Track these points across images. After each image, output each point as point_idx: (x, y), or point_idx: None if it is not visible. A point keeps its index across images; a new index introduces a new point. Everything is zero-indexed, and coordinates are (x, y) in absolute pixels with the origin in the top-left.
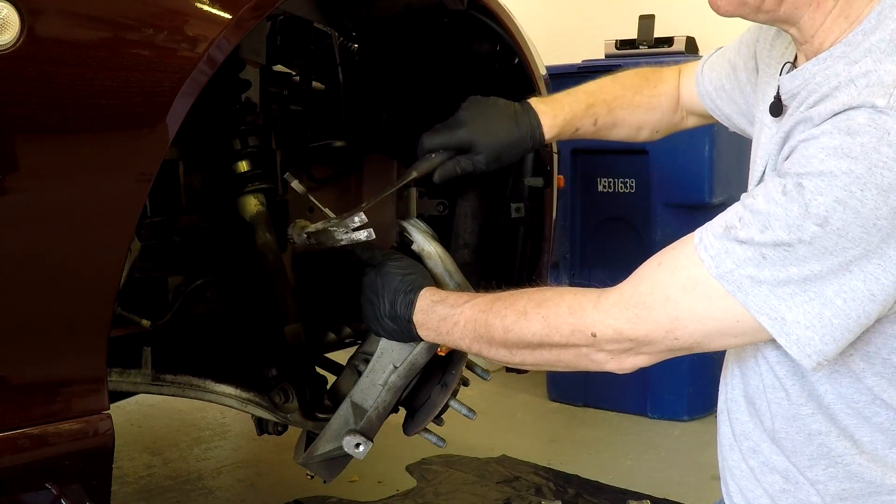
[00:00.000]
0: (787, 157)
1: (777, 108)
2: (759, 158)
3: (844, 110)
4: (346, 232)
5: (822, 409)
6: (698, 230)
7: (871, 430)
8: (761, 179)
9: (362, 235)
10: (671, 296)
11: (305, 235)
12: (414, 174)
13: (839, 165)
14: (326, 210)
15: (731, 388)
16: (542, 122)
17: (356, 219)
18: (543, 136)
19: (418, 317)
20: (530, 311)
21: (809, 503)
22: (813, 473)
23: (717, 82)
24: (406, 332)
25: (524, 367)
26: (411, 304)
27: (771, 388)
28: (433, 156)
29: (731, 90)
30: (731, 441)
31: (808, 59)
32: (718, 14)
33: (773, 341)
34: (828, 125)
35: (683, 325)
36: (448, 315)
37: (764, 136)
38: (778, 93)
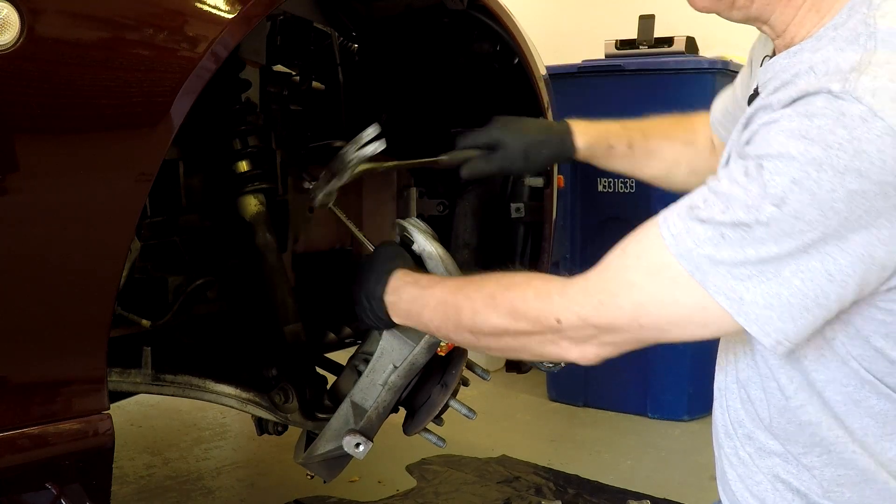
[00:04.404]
0: (748, 141)
1: (753, 99)
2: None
3: (803, 96)
4: (357, 148)
5: (814, 395)
6: (662, 212)
7: (861, 415)
8: (727, 164)
9: (370, 149)
10: (636, 281)
11: (320, 179)
12: (444, 158)
13: (797, 147)
14: (349, 223)
15: (725, 376)
16: (574, 129)
17: (369, 129)
18: (574, 142)
19: (389, 297)
20: (498, 295)
21: (808, 488)
22: (808, 460)
23: (722, 107)
24: (379, 313)
25: (490, 353)
26: (385, 284)
27: (765, 376)
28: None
29: (733, 110)
30: (728, 429)
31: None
32: (695, 9)
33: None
34: (788, 110)
35: (648, 311)
36: (418, 296)
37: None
38: (757, 85)
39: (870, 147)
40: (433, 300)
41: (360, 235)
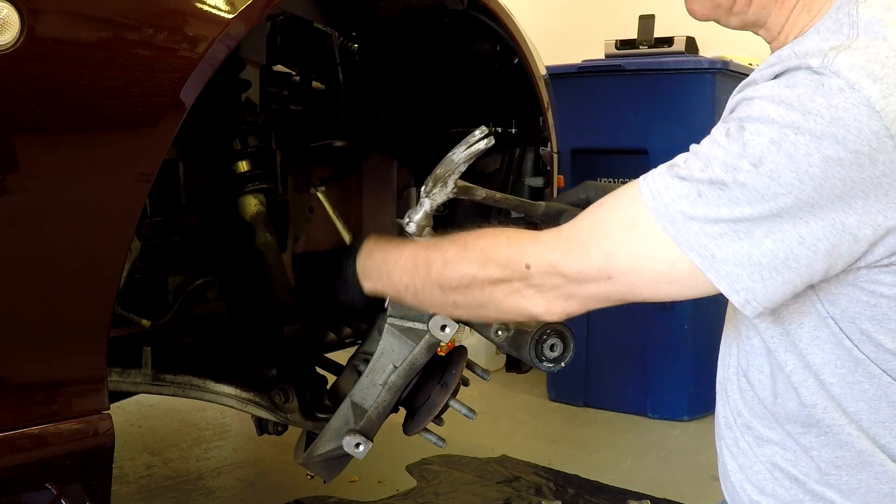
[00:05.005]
0: (732, 110)
1: None
2: None
3: (785, 71)
4: (467, 147)
5: (811, 375)
6: (636, 185)
7: (856, 399)
8: None
9: (482, 144)
10: (609, 233)
11: (423, 189)
12: (542, 204)
13: (777, 111)
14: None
15: (726, 369)
16: None
17: (477, 131)
18: None
19: (362, 262)
20: (470, 244)
21: (806, 473)
22: (806, 440)
23: None
24: (351, 282)
25: (457, 314)
26: (357, 252)
27: (763, 357)
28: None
29: None
30: (729, 420)
31: None
32: (694, 18)
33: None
34: (770, 82)
35: (618, 263)
36: (389, 256)
37: None
38: None
39: (847, 115)
40: (403, 258)
41: (342, 228)
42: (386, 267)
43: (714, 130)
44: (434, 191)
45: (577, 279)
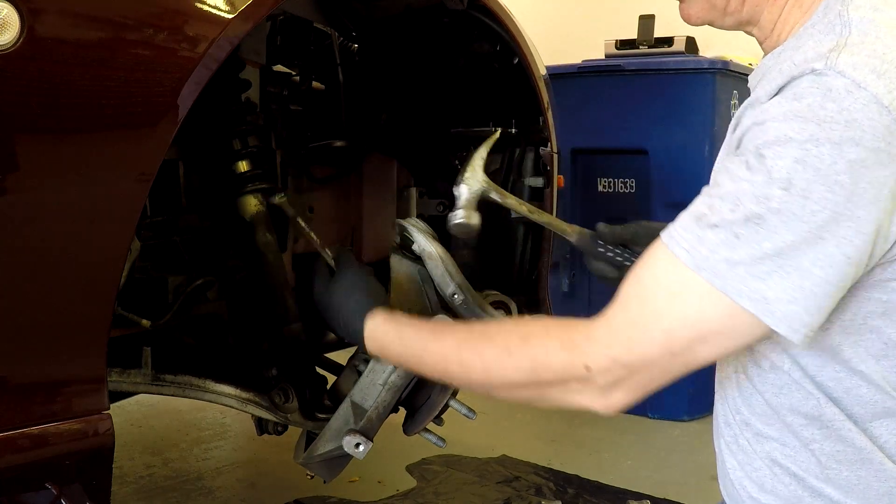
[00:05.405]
0: (741, 139)
1: None
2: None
3: (788, 81)
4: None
5: (806, 377)
6: (663, 233)
7: (852, 402)
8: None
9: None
10: (659, 308)
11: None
12: (576, 231)
13: (792, 127)
14: (311, 234)
15: (724, 364)
16: None
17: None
18: None
19: (371, 344)
20: (515, 348)
21: (806, 469)
22: (808, 433)
23: None
24: (354, 333)
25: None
26: (363, 323)
27: (761, 354)
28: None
29: None
30: (728, 417)
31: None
32: (690, 24)
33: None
34: (776, 98)
35: (678, 335)
36: (410, 345)
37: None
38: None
39: (859, 115)
40: (430, 354)
41: (315, 241)
42: (410, 358)
43: (730, 165)
44: (466, 175)
45: (641, 367)
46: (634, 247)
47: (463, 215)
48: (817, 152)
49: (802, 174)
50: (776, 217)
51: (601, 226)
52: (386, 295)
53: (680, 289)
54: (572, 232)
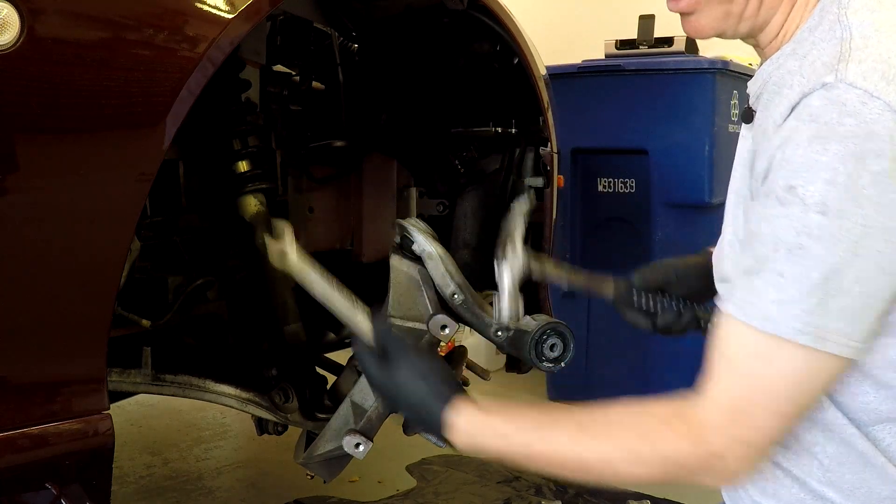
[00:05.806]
0: (766, 175)
1: (748, 115)
2: (737, 167)
3: (800, 100)
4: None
5: None
6: (723, 306)
7: (857, 409)
8: (738, 191)
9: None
10: (755, 379)
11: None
12: (611, 283)
13: (815, 150)
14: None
15: None
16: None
17: None
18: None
19: (461, 438)
20: (640, 448)
21: (808, 472)
22: (811, 435)
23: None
24: (438, 431)
25: None
26: (445, 412)
27: None
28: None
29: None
30: None
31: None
32: (700, 37)
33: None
34: (791, 121)
35: (777, 398)
36: (513, 449)
37: (741, 146)
38: (748, 101)
39: (877, 126)
40: (539, 454)
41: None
42: (505, 450)
43: (760, 209)
44: (507, 251)
45: (760, 438)
46: (670, 290)
47: (508, 311)
48: (844, 169)
49: (834, 194)
50: (817, 243)
51: (636, 277)
52: (457, 380)
53: (757, 351)
54: (608, 288)
